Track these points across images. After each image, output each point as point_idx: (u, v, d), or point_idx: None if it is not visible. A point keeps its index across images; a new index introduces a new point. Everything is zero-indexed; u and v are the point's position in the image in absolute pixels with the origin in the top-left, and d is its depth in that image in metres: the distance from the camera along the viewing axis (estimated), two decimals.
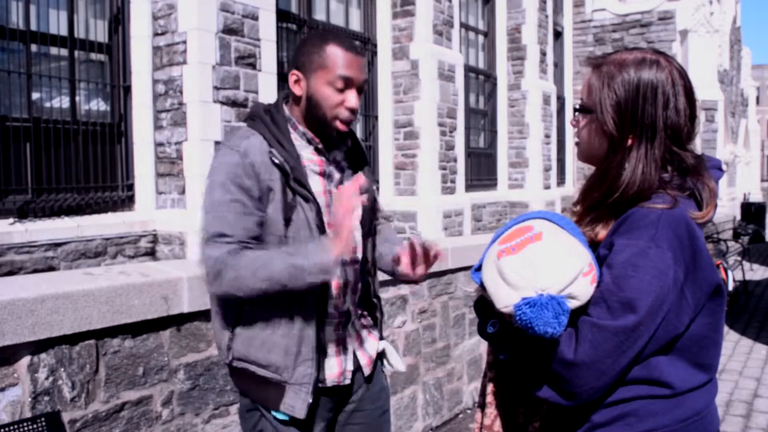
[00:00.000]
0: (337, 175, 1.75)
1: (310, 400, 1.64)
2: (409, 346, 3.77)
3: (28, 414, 1.93)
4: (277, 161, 1.58)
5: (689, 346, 1.23)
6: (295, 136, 1.69)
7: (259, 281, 1.53)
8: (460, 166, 10.35)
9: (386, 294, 3.56)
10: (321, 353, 1.68)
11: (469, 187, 11.35)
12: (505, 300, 1.21)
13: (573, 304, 1.19)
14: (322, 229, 1.62)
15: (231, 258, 1.54)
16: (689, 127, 1.26)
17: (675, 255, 1.17)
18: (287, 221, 1.59)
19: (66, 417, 2.01)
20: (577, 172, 17.11)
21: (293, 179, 1.59)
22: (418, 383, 3.86)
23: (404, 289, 3.71)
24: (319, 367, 1.67)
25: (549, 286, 1.17)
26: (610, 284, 1.19)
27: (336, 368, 1.73)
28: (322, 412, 1.73)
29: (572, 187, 16.65)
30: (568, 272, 1.18)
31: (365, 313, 1.88)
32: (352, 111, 1.66)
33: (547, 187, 13.34)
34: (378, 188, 9.58)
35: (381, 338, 1.92)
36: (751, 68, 26.83)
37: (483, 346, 4.56)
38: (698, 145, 15.40)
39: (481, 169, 12.44)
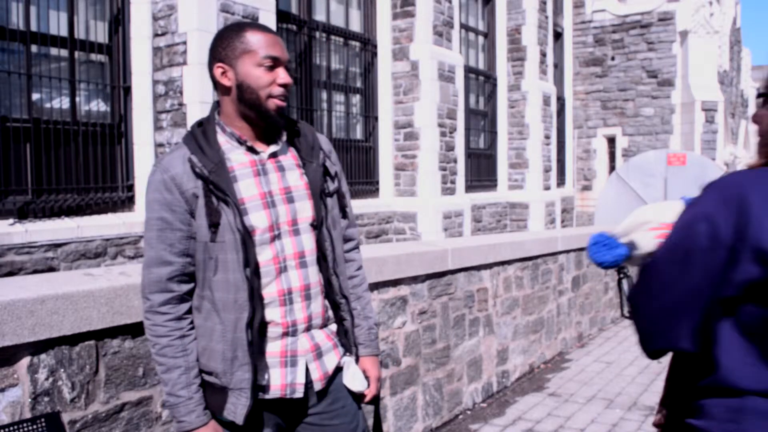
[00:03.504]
0: (275, 174, 1.67)
1: (249, 405, 1.60)
2: (409, 347, 3.78)
3: (27, 415, 1.93)
4: (196, 169, 1.58)
5: None
6: (224, 139, 1.66)
7: (156, 359, 1.63)
8: (460, 166, 10.35)
9: (386, 295, 3.56)
10: (257, 358, 1.62)
11: (469, 187, 11.35)
12: None
13: (637, 252, 1.52)
14: (245, 232, 1.58)
15: (153, 315, 1.62)
16: None
17: (709, 211, 1.17)
18: (215, 226, 1.58)
19: (66, 418, 2.01)
20: (577, 173, 17.11)
21: (211, 183, 1.58)
22: (417, 384, 3.86)
23: (404, 290, 3.71)
24: (256, 371, 1.61)
25: (614, 231, 1.59)
26: None
27: (279, 380, 1.65)
28: (267, 424, 1.68)
29: (572, 188, 16.66)
30: (630, 223, 1.56)
31: (331, 319, 1.77)
32: (285, 86, 1.65)
33: (547, 188, 13.34)
34: (378, 188, 9.58)
35: (353, 345, 1.81)
36: (751, 69, 26.84)
37: (483, 346, 4.56)
38: (698, 146, 15.42)
39: (481, 169, 12.45)
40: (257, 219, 1.61)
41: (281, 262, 1.64)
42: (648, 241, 1.47)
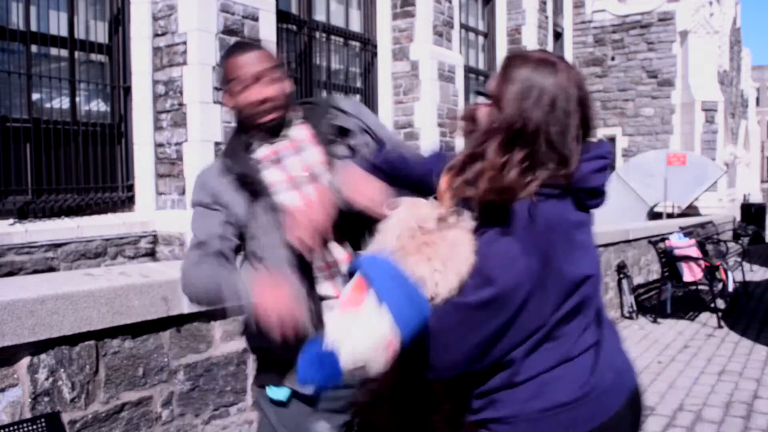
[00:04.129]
0: (295, 158, 1.74)
1: None
2: None
3: (27, 415, 1.93)
4: (226, 167, 1.73)
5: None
6: (245, 141, 1.78)
7: (203, 288, 1.66)
8: None
9: None
10: (319, 329, 1.62)
11: None
12: None
13: (356, 370, 1.20)
14: (277, 210, 1.68)
15: (187, 265, 1.69)
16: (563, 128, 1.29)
17: (523, 246, 1.22)
18: (252, 211, 1.69)
19: (66, 418, 2.01)
20: None
21: (241, 175, 1.70)
22: None
23: None
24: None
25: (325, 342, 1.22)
26: (474, 265, 1.27)
27: None
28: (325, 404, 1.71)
29: None
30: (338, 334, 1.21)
31: None
32: (265, 101, 1.69)
33: None
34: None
35: None
36: (751, 69, 26.84)
37: None
38: (698, 146, 15.41)
39: None
40: (288, 199, 1.69)
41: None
42: (378, 360, 1.19)
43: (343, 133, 1.78)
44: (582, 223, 1.32)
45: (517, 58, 1.33)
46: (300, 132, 1.78)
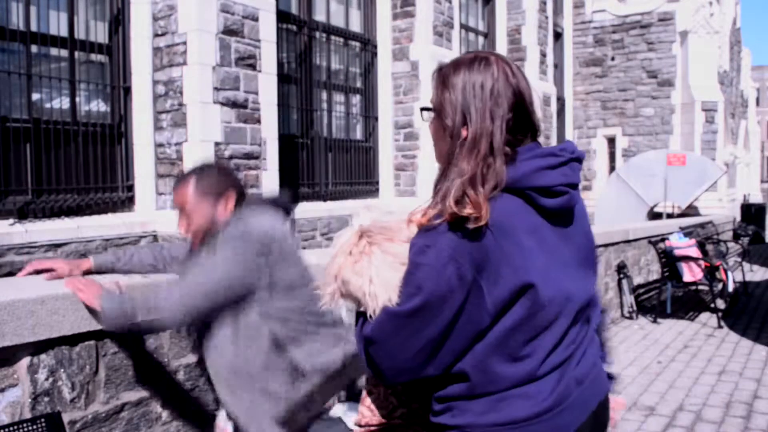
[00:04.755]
0: None
1: None
2: None
3: (27, 415, 1.93)
4: None
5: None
6: None
7: None
8: None
9: None
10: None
11: None
12: None
13: None
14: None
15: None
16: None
17: (452, 254, 1.19)
18: None
19: (66, 418, 2.01)
20: None
21: None
22: None
23: None
24: None
25: None
26: (405, 274, 1.26)
27: None
28: None
29: None
30: None
31: None
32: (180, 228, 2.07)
33: None
34: (378, 188, 9.57)
35: None
36: (751, 69, 26.84)
37: None
38: (698, 146, 15.41)
39: None
40: None
41: None
42: None
43: None
44: (534, 228, 1.26)
45: (449, 66, 1.31)
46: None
